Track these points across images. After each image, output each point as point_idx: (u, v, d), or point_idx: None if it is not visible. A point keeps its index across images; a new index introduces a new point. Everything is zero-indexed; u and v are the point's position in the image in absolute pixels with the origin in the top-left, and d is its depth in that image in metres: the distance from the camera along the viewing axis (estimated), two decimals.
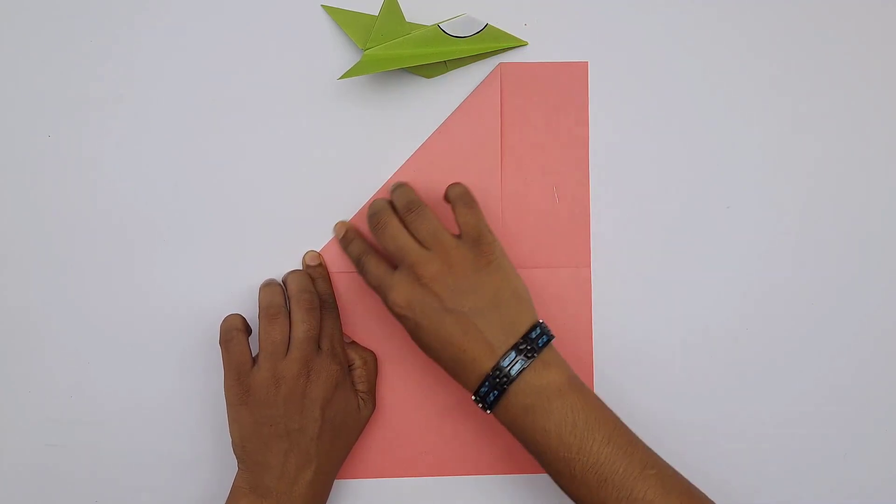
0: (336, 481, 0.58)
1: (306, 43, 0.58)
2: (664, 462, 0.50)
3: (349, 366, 0.56)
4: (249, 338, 0.54)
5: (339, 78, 0.56)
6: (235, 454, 0.53)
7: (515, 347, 0.49)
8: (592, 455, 0.47)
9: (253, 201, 0.58)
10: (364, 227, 0.57)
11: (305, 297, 0.54)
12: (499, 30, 0.58)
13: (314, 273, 0.57)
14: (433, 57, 0.56)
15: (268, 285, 0.56)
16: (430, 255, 0.51)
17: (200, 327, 0.58)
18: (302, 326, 0.53)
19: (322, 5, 0.58)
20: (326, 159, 0.58)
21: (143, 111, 0.58)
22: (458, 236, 0.52)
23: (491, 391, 0.49)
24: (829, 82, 0.59)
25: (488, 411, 0.50)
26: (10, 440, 0.58)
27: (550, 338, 0.51)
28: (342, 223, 0.58)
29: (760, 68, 0.59)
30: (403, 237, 0.52)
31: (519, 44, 0.58)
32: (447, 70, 0.58)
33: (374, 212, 0.54)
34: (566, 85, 0.59)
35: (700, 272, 0.59)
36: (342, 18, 0.58)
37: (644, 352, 0.59)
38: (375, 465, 0.59)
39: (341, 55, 0.58)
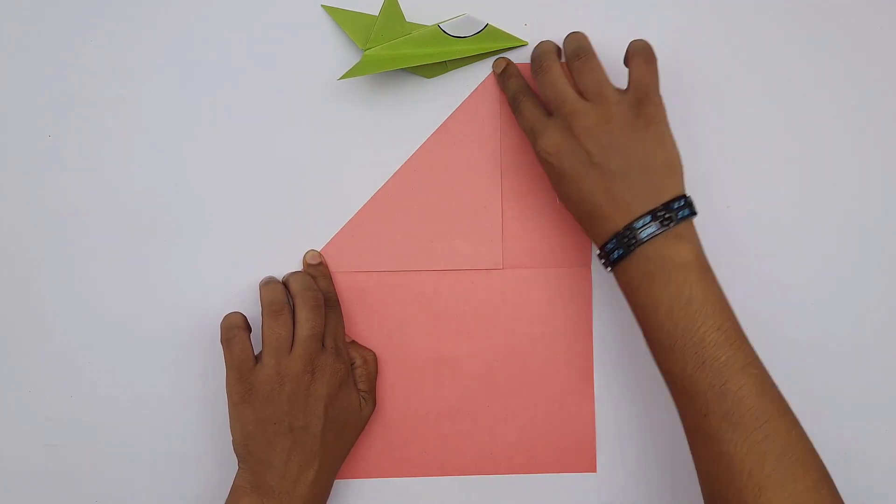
0: (336, 481, 0.58)
1: (306, 43, 0.58)
2: (765, 368, 0.48)
3: (350, 364, 0.56)
4: (251, 336, 0.54)
5: (340, 78, 0.56)
6: (237, 453, 0.53)
7: (653, 213, 0.48)
8: (698, 335, 0.46)
9: (253, 201, 0.58)
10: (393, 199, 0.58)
11: (310, 295, 0.54)
12: (499, 30, 0.58)
13: (315, 272, 0.57)
14: (433, 57, 0.56)
15: (269, 283, 0.56)
16: (588, 107, 0.50)
17: (200, 327, 0.58)
18: (307, 324, 0.53)
19: (322, 5, 0.58)
20: (326, 159, 0.58)
21: (143, 111, 0.58)
22: (625, 91, 0.51)
23: (616, 249, 0.49)
24: (829, 81, 0.59)
25: (608, 269, 0.50)
26: (10, 440, 0.58)
27: (693, 213, 0.49)
28: (503, 58, 0.57)
29: (760, 67, 0.59)
30: (563, 84, 0.51)
31: (519, 44, 0.58)
32: (447, 70, 0.58)
33: (538, 53, 0.53)
34: None
35: None
36: (342, 18, 0.58)
37: (644, 352, 0.58)
38: (376, 465, 0.59)
39: (341, 55, 0.58)
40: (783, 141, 0.59)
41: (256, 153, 0.58)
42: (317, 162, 0.58)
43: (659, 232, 0.48)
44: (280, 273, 0.58)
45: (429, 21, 0.57)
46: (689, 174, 0.59)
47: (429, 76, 0.58)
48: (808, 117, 0.59)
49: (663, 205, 0.49)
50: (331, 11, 0.58)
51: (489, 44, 0.58)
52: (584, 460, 0.59)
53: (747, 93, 0.59)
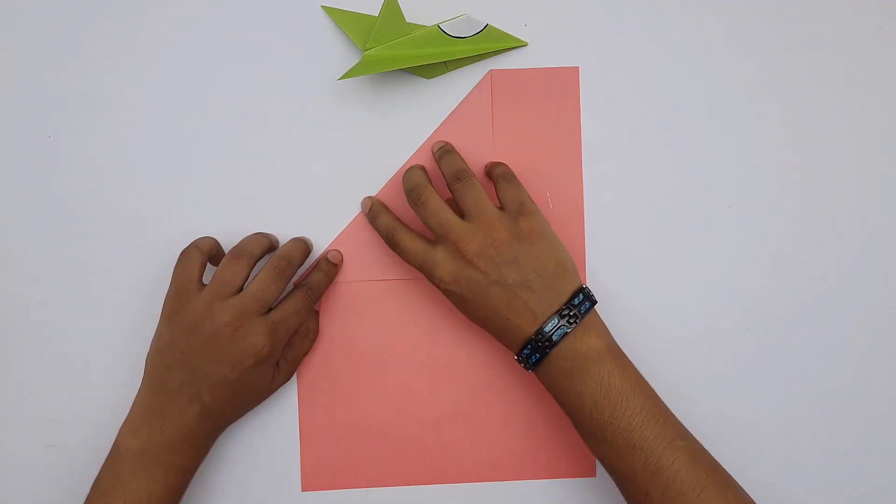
0: (332, 492, 0.58)
1: (306, 43, 0.58)
2: (693, 437, 0.50)
3: (285, 342, 0.55)
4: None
5: (339, 78, 0.56)
6: (145, 368, 0.54)
7: (559, 313, 0.50)
8: (624, 420, 0.48)
9: (252, 202, 0.58)
10: (390, 202, 0.58)
11: (282, 265, 0.54)
12: (499, 30, 0.57)
13: (322, 266, 0.57)
14: (433, 57, 0.56)
15: (257, 234, 0.56)
16: (474, 230, 0.51)
17: None
18: (257, 286, 0.52)
19: (322, 6, 0.58)
20: (326, 160, 0.58)
21: (143, 111, 0.58)
22: (501, 209, 0.53)
23: (533, 354, 0.50)
24: (829, 81, 0.59)
25: (529, 370, 0.52)
26: (11, 440, 0.58)
27: (593, 303, 0.52)
28: (368, 198, 0.58)
29: (758, 67, 0.59)
30: (445, 212, 0.52)
31: (519, 44, 0.58)
32: (447, 70, 0.58)
33: (413, 186, 0.54)
34: (558, 89, 0.58)
35: (698, 273, 0.59)
36: (342, 19, 0.58)
37: (642, 354, 0.58)
38: (374, 474, 0.58)
39: (341, 56, 0.58)
40: (783, 141, 0.59)
41: (256, 153, 0.58)
42: (316, 162, 0.58)
43: (569, 330, 0.50)
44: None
45: (429, 21, 0.57)
46: (689, 174, 0.59)
47: (428, 76, 0.58)
48: (809, 117, 0.59)
49: (566, 303, 0.50)
50: (331, 12, 0.58)
51: (489, 44, 0.57)
52: (583, 465, 0.58)
53: (747, 93, 0.59)
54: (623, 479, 0.49)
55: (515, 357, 0.52)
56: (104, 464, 0.52)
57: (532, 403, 0.58)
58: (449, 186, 0.54)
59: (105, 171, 0.58)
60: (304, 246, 0.56)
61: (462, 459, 0.58)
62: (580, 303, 0.51)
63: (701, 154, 0.58)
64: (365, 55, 0.56)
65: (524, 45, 0.58)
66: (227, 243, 0.58)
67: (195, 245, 0.54)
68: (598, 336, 0.51)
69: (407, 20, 0.56)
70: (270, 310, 0.53)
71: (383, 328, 0.58)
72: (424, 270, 0.53)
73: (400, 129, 0.58)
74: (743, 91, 0.59)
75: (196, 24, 0.58)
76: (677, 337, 0.59)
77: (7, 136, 0.58)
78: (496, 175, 0.55)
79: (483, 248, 0.51)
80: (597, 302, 0.52)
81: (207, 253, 0.54)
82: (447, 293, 0.52)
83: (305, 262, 0.57)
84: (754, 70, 0.59)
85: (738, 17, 0.59)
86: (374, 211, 0.56)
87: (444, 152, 0.56)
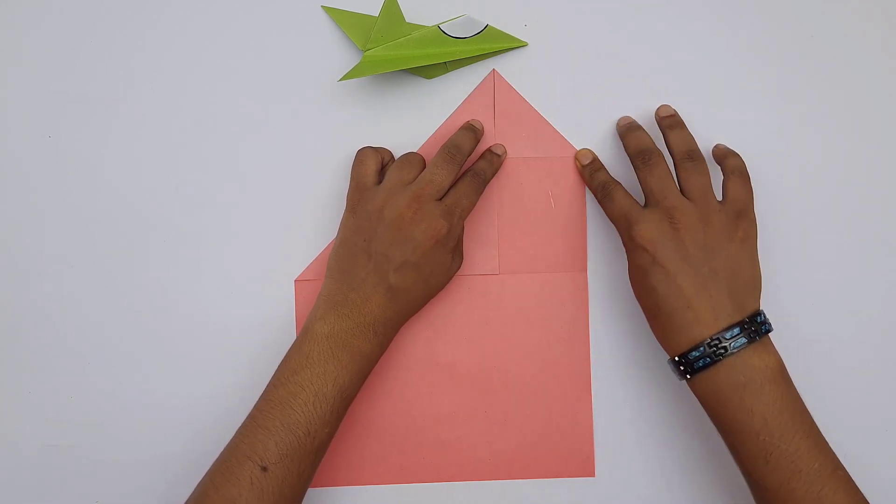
0: (333, 489, 0.58)
1: (306, 44, 0.58)
2: (844, 467, 0.49)
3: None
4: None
5: (340, 79, 0.56)
6: (328, 264, 0.55)
7: (741, 324, 0.49)
8: (793, 444, 0.47)
9: (253, 202, 0.58)
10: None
11: (453, 152, 0.54)
12: (499, 31, 0.58)
13: (486, 156, 0.57)
14: (433, 58, 0.56)
15: (409, 153, 0.56)
16: (691, 206, 0.51)
17: (200, 327, 0.58)
18: (431, 172, 0.53)
19: (322, 6, 0.58)
20: (327, 160, 0.58)
21: (143, 112, 0.58)
22: (723, 203, 0.52)
23: (703, 357, 0.49)
24: (830, 82, 0.59)
25: (687, 377, 0.50)
26: (11, 440, 0.58)
27: (770, 329, 0.50)
28: (589, 150, 0.58)
29: (759, 66, 0.59)
30: (670, 180, 0.52)
31: (519, 44, 0.58)
32: (447, 71, 0.58)
33: (644, 147, 0.54)
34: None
35: None
36: (342, 19, 0.58)
37: (642, 355, 0.58)
38: (373, 472, 0.58)
39: (342, 56, 0.58)
40: (783, 141, 0.59)
41: (256, 154, 0.58)
42: (317, 163, 0.58)
43: (749, 345, 0.49)
44: (281, 277, 0.58)
45: (429, 22, 0.57)
46: None
47: (429, 77, 0.58)
48: (809, 117, 0.59)
49: (749, 317, 0.49)
50: (331, 12, 0.58)
51: (489, 45, 0.57)
52: (582, 465, 0.58)
53: (747, 93, 0.59)
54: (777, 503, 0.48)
55: (675, 359, 0.50)
56: (294, 345, 0.53)
57: (532, 403, 0.58)
58: (676, 162, 0.53)
59: (105, 171, 0.58)
60: (472, 134, 0.56)
61: (462, 458, 0.58)
62: (762, 322, 0.50)
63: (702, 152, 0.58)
64: (365, 56, 0.56)
65: (524, 45, 0.58)
66: (228, 244, 0.58)
67: (367, 149, 0.56)
68: (775, 357, 0.49)
69: (407, 21, 0.56)
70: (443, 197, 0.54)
71: None
72: (625, 222, 0.52)
73: (401, 129, 0.58)
74: (743, 91, 0.59)
75: (196, 25, 0.58)
76: None
77: (7, 136, 0.58)
78: (731, 167, 0.53)
79: (695, 225, 0.50)
80: (772, 330, 0.51)
81: (381, 156, 0.56)
82: (638, 252, 0.51)
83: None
84: (755, 69, 0.59)
85: (739, 16, 0.59)
86: (594, 165, 0.57)
87: (674, 123, 0.55)
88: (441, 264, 0.54)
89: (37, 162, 0.58)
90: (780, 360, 0.50)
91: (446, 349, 0.58)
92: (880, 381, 0.59)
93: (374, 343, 0.53)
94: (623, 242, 0.53)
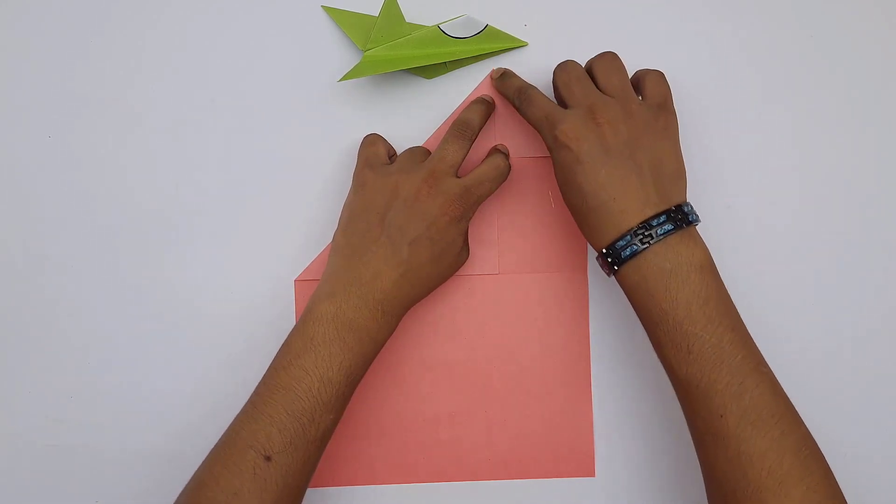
0: (333, 489, 0.58)
1: (306, 44, 0.58)
2: (771, 368, 0.49)
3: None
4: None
5: (340, 79, 0.56)
6: (333, 243, 0.54)
7: (667, 213, 0.48)
8: (716, 336, 0.47)
9: (252, 203, 0.58)
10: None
11: (462, 128, 0.54)
12: (499, 30, 0.58)
13: (501, 147, 0.57)
14: (433, 58, 0.56)
15: (418, 146, 0.57)
16: (612, 101, 0.50)
17: (201, 328, 0.58)
18: (442, 147, 0.53)
19: (322, 6, 0.58)
20: (327, 160, 0.58)
21: (143, 112, 0.58)
22: (643, 98, 0.52)
23: (629, 246, 0.48)
24: (830, 82, 0.59)
25: (615, 269, 0.49)
26: (12, 440, 0.58)
27: (697, 220, 0.50)
28: (499, 68, 0.58)
29: (760, 67, 0.59)
30: (588, 80, 0.52)
31: (519, 44, 0.58)
32: (447, 71, 0.58)
33: (562, 63, 0.53)
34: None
35: None
36: (342, 19, 0.58)
37: (642, 355, 0.58)
38: (372, 472, 0.58)
39: (341, 56, 0.58)
40: (784, 141, 0.59)
41: (256, 155, 0.58)
42: (317, 163, 0.58)
43: (675, 231, 0.48)
44: (281, 277, 0.58)
45: (429, 22, 0.57)
46: (690, 173, 0.58)
47: (429, 77, 0.58)
48: (809, 118, 0.59)
49: (675, 206, 0.49)
50: (331, 12, 0.58)
51: (489, 45, 0.57)
52: (582, 465, 0.58)
53: (748, 93, 0.59)
54: (699, 397, 0.47)
55: (604, 251, 0.49)
56: (296, 327, 0.51)
57: (532, 403, 0.58)
58: (593, 62, 0.53)
59: (105, 172, 0.58)
60: (483, 107, 0.56)
61: (462, 458, 0.58)
62: (689, 212, 0.49)
63: (702, 153, 0.58)
64: (365, 56, 0.56)
65: (524, 45, 0.58)
66: (228, 244, 0.58)
67: (374, 135, 0.57)
68: (701, 249, 0.49)
69: (407, 21, 0.56)
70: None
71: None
72: (546, 124, 0.51)
73: (401, 129, 0.58)
74: (742, 89, 0.59)
75: (196, 24, 0.58)
76: None
77: (8, 136, 0.58)
78: (643, 71, 0.53)
79: (617, 118, 0.49)
80: (700, 221, 0.50)
81: (388, 143, 0.57)
82: (562, 151, 0.50)
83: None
84: (756, 69, 0.59)
85: (740, 16, 0.59)
86: (507, 74, 0.56)
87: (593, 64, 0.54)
88: (453, 244, 0.53)
89: (36, 162, 0.58)
90: (708, 253, 0.49)
91: (446, 349, 0.58)
92: (881, 381, 0.59)
93: (382, 323, 0.51)
94: (546, 144, 0.52)
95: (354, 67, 0.56)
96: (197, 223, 0.58)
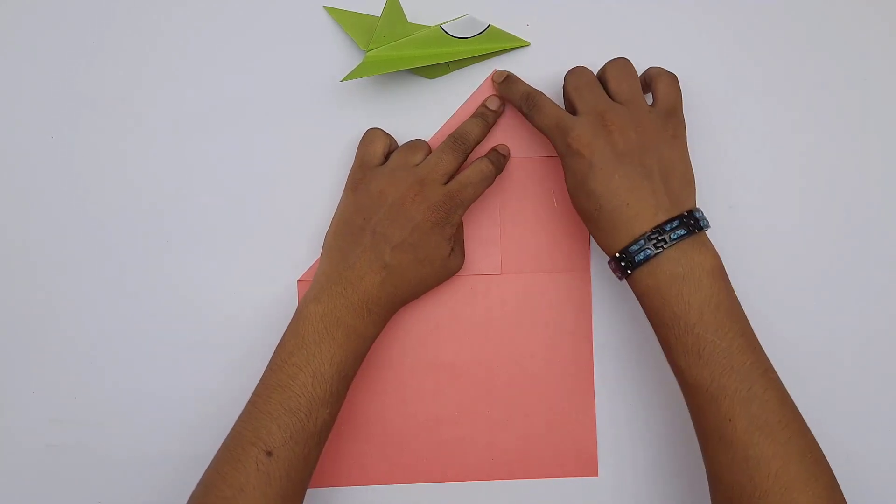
0: (333, 489, 0.58)
1: (308, 44, 0.58)
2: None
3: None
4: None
5: (342, 80, 0.55)
6: (324, 243, 0.56)
7: (679, 217, 0.49)
8: (726, 340, 0.47)
9: (256, 203, 0.58)
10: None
11: (459, 140, 0.55)
12: (501, 30, 0.58)
13: (497, 155, 0.57)
14: (436, 58, 0.56)
15: (417, 140, 0.57)
16: (622, 108, 0.51)
17: (203, 328, 0.58)
18: (436, 155, 0.54)
19: (324, 7, 0.58)
20: (329, 161, 0.58)
21: (146, 113, 0.58)
22: (653, 104, 0.52)
23: (643, 250, 0.49)
24: (831, 82, 0.59)
25: (628, 272, 0.50)
26: (13, 441, 0.58)
27: (708, 226, 0.50)
28: (501, 70, 0.58)
29: (761, 67, 0.59)
30: (599, 86, 0.52)
31: (521, 44, 0.58)
32: (449, 71, 0.58)
33: (573, 68, 0.54)
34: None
35: None
36: (344, 20, 0.58)
37: (645, 355, 0.58)
38: (376, 472, 0.58)
39: (343, 57, 0.58)
40: (785, 141, 0.59)
41: (259, 155, 0.58)
42: (319, 163, 0.58)
43: (688, 236, 0.49)
44: (281, 277, 0.58)
45: (431, 22, 0.57)
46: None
47: (431, 77, 0.58)
48: (811, 118, 0.59)
49: (687, 212, 0.49)
50: (333, 13, 0.58)
51: (491, 44, 0.57)
52: (585, 464, 0.58)
53: (749, 93, 0.59)
54: (708, 402, 0.48)
55: (617, 255, 0.50)
56: (288, 327, 0.53)
57: (535, 402, 0.58)
58: (605, 69, 0.53)
59: (107, 172, 0.58)
60: (482, 122, 0.56)
61: (464, 458, 0.58)
62: (700, 218, 0.50)
63: (704, 153, 0.58)
64: (367, 56, 0.56)
65: (526, 45, 0.58)
66: (229, 244, 0.58)
67: (375, 129, 0.57)
68: (712, 254, 0.49)
69: (409, 21, 0.56)
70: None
71: (386, 326, 0.58)
72: (558, 132, 0.51)
73: (403, 129, 0.58)
74: (746, 90, 0.59)
75: (199, 25, 0.58)
76: None
77: (9, 136, 0.58)
78: (656, 72, 0.54)
79: (627, 125, 0.50)
80: (710, 227, 0.51)
81: (388, 138, 0.57)
82: (574, 158, 0.51)
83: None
84: (758, 69, 0.59)
85: (740, 17, 0.59)
86: (511, 79, 0.56)
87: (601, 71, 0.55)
88: (437, 249, 0.54)
89: (39, 163, 0.58)
90: (719, 259, 0.50)
91: (449, 349, 0.58)
92: (882, 382, 0.59)
93: (368, 321, 0.53)
94: (558, 151, 0.52)
95: (356, 68, 0.56)
96: (200, 223, 0.58)
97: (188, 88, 0.58)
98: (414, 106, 0.59)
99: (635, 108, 0.51)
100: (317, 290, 0.53)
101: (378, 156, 0.56)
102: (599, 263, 0.58)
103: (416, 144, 0.56)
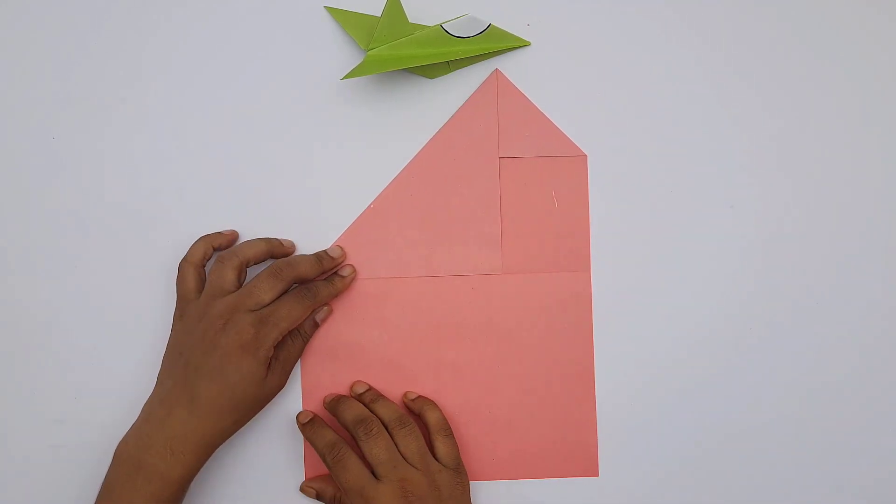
0: None
1: (309, 44, 0.58)
2: None
3: (275, 340, 0.54)
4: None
5: (342, 78, 0.56)
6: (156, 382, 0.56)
7: None
8: None
9: (256, 202, 0.58)
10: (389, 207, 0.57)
11: (281, 266, 0.54)
12: (501, 30, 0.57)
13: (333, 279, 0.57)
14: (436, 57, 0.56)
15: (256, 239, 0.57)
16: (419, 474, 0.53)
17: None
18: (253, 283, 0.54)
19: (325, 6, 0.58)
20: (330, 160, 0.58)
21: (146, 113, 0.58)
22: (438, 461, 0.55)
23: None
24: (831, 82, 0.59)
25: None
26: (14, 441, 0.58)
27: None
28: (307, 411, 0.58)
29: (763, 66, 0.59)
30: (395, 450, 0.54)
31: (521, 44, 0.58)
32: (450, 70, 0.58)
33: (362, 418, 0.54)
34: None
35: (701, 274, 0.59)
36: (345, 19, 0.58)
37: (645, 355, 0.58)
38: None
39: (344, 56, 0.58)
40: (786, 141, 0.59)
41: (259, 155, 0.58)
42: (320, 163, 0.58)
43: None
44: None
45: (431, 21, 0.57)
46: (693, 173, 0.59)
47: (431, 76, 0.58)
48: (811, 118, 0.59)
49: None
50: (333, 12, 0.58)
51: (492, 44, 0.57)
52: (586, 465, 0.58)
53: (749, 93, 0.59)
54: None
55: None
56: (108, 468, 0.53)
57: (536, 403, 0.58)
58: (390, 430, 0.55)
59: (109, 172, 0.58)
60: (316, 262, 0.56)
61: (465, 458, 0.58)
62: None
63: (705, 153, 0.58)
64: (368, 55, 0.56)
65: (527, 44, 0.58)
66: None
67: (185, 260, 0.56)
68: None
69: (409, 20, 0.56)
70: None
71: (387, 326, 0.58)
72: (359, 496, 0.52)
73: (403, 129, 0.58)
74: (746, 90, 0.59)
75: (200, 25, 0.58)
76: (680, 336, 0.59)
77: (11, 137, 0.58)
78: (433, 424, 0.56)
79: (427, 493, 0.52)
80: None
81: (200, 261, 0.56)
82: None
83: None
84: (758, 69, 0.59)
85: (740, 17, 0.59)
86: (314, 423, 0.56)
87: (376, 396, 0.57)
88: (249, 374, 0.52)
89: (41, 163, 0.58)
90: None
91: (449, 349, 0.58)
92: (882, 382, 0.59)
93: (172, 463, 0.51)
94: None
95: (357, 66, 0.55)
96: (199, 224, 0.58)
97: (188, 88, 0.58)
98: (414, 105, 0.59)
99: (428, 471, 0.53)
100: (130, 430, 0.53)
101: (191, 290, 0.55)
102: (599, 263, 0.58)
103: (224, 259, 0.54)
